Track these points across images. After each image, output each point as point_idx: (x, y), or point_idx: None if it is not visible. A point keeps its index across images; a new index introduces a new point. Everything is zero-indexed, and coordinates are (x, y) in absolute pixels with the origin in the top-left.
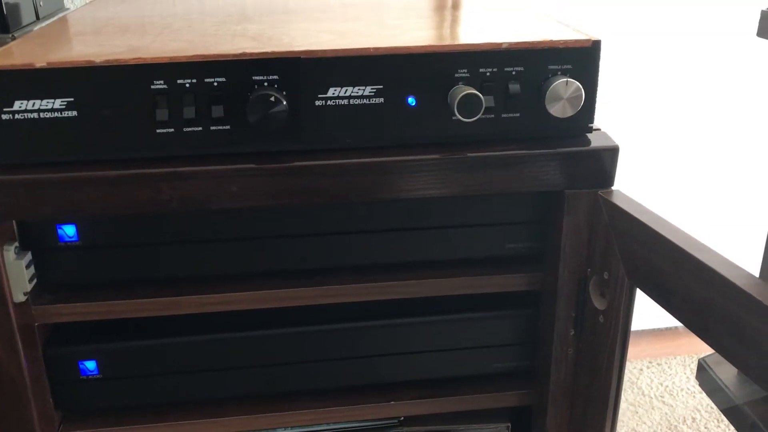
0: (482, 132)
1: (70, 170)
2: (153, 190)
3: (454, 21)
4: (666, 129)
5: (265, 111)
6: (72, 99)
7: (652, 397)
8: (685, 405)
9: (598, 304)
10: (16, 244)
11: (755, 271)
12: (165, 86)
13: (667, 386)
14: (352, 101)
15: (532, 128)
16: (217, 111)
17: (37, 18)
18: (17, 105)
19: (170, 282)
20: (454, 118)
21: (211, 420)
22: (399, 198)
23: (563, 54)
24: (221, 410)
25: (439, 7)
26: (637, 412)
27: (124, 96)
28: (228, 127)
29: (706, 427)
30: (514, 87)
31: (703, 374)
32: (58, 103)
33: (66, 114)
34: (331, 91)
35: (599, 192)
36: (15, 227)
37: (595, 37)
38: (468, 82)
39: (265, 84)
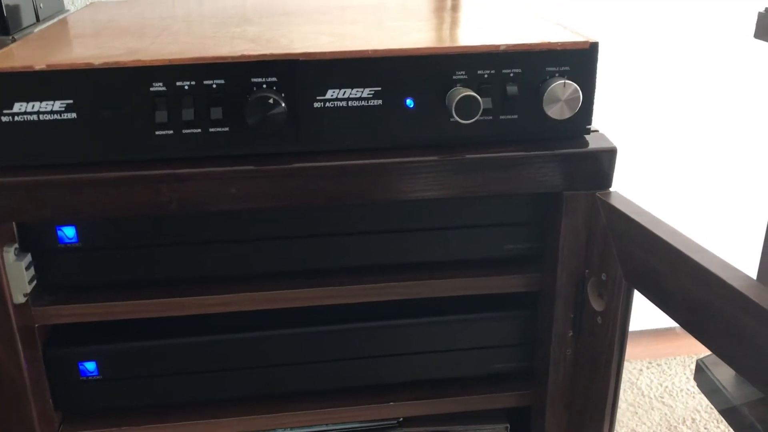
0: (480, 134)
1: (69, 172)
2: (152, 191)
3: (453, 23)
4: (664, 130)
5: (264, 113)
6: (71, 101)
7: (651, 398)
8: (684, 406)
9: (596, 305)
10: (16, 245)
11: (753, 273)
12: (164, 88)
13: (666, 387)
14: (350, 103)
15: (530, 130)
16: (216, 113)
17: (38, 20)
18: (17, 107)
19: (170, 283)
20: (452, 119)
21: (211, 421)
22: (397, 200)
23: (561, 56)
24: (220, 411)
25: (439, 9)
26: (636, 413)
27: (123, 98)
28: (227, 129)
29: (705, 428)
30: (511, 89)
31: (701, 375)
32: (57, 105)
33: (65, 116)
34: (330, 93)
35: (597, 193)
36: (15, 229)
37: (592, 38)
38: (466, 84)
39: (264, 86)
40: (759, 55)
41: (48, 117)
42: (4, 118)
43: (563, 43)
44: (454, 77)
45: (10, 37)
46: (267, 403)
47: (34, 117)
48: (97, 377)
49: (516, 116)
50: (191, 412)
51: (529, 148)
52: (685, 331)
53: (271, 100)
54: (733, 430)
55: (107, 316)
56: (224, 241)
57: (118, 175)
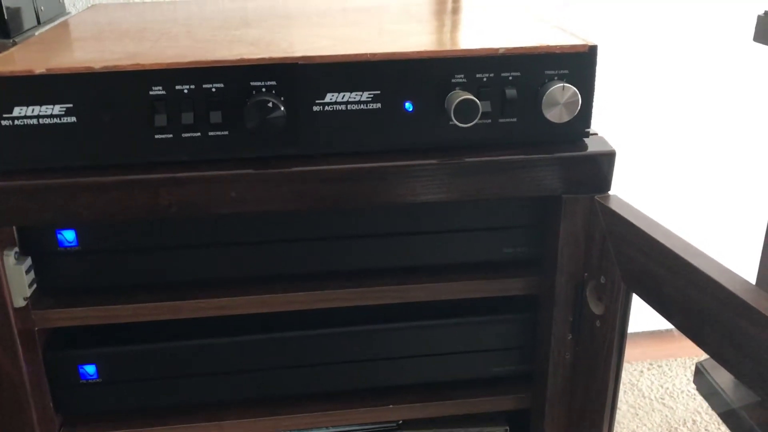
0: (479, 137)
1: (69, 176)
2: (152, 195)
3: (452, 26)
4: (663, 133)
5: (263, 117)
6: (71, 105)
7: (652, 399)
8: (685, 407)
9: (595, 308)
10: (16, 249)
11: (751, 278)
12: (163, 92)
13: (667, 388)
14: (349, 107)
15: (529, 133)
16: (216, 117)
17: (38, 23)
18: (17, 111)
19: (169, 287)
20: (450, 123)
21: (210, 423)
22: (396, 203)
23: (560, 59)
24: (220, 414)
25: (439, 12)
26: (637, 414)
27: (122, 102)
28: (226, 132)
29: (706, 430)
30: (510, 92)
31: (701, 378)
32: (57, 109)
33: (65, 120)
34: (329, 97)
35: (596, 197)
36: (15, 233)
37: (591, 42)
38: (465, 87)
39: (263, 90)
40: (758, 58)
41: (48, 121)
42: (4, 122)
43: (562, 47)
44: (453, 80)
45: (11, 40)
46: (267, 405)
47: (34, 121)
48: (97, 380)
49: (515, 119)
50: (191, 416)
51: (528, 152)
52: None
53: (270, 104)
54: None
55: (107, 320)
56: (224, 244)
57: (118, 179)
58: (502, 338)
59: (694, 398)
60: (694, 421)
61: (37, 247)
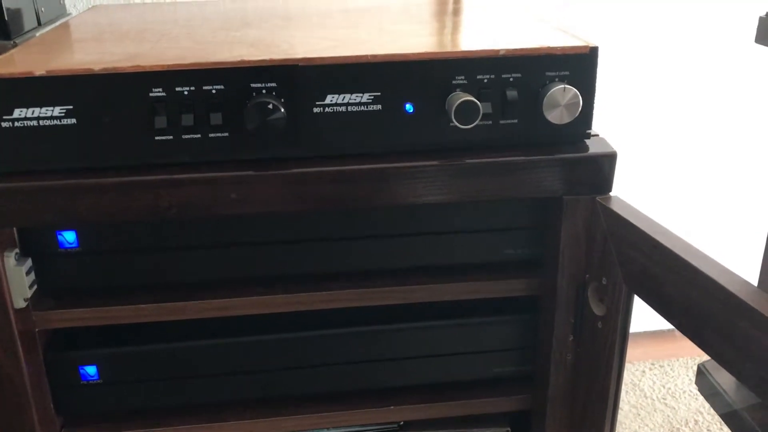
0: (480, 138)
1: (69, 177)
2: (152, 197)
3: (453, 27)
4: (665, 134)
5: (263, 118)
6: (71, 107)
7: (654, 399)
8: (687, 407)
9: (597, 309)
10: (17, 250)
11: (753, 279)
12: (163, 94)
13: (669, 388)
14: (350, 108)
15: (530, 134)
16: (216, 118)
17: (39, 24)
18: (17, 113)
19: (170, 288)
20: (451, 124)
21: (211, 425)
22: (397, 204)
23: (561, 60)
24: (221, 415)
25: (440, 13)
26: (639, 414)
27: (123, 103)
28: (226, 134)
29: (708, 430)
30: (511, 93)
31: (702, 379)
32: (57, 110)
33: (65, 122)
34: (329, 99)
35: (597, 198)
36: (15, 234)
37: (592, 43)
38: (465, 88)
39: (263, 91)
40: (759, 60)
41: (48, 123)
42: (4, 124)
43: (563, 48)
44: (454, 82)
45: (12, 42)
46: (268, 406)
47: (34, 123)
48: (98, 381)
49: (516, 121)
50: (192, 416)
51: (528, 153)
52: None
53: (270, 106)
54: None
55: (107, 321)
56: (224, 245)
57: (118, 181)
58: (503, 339)
59: (696, 398)
60: (696, 422)
61: (37, 248)
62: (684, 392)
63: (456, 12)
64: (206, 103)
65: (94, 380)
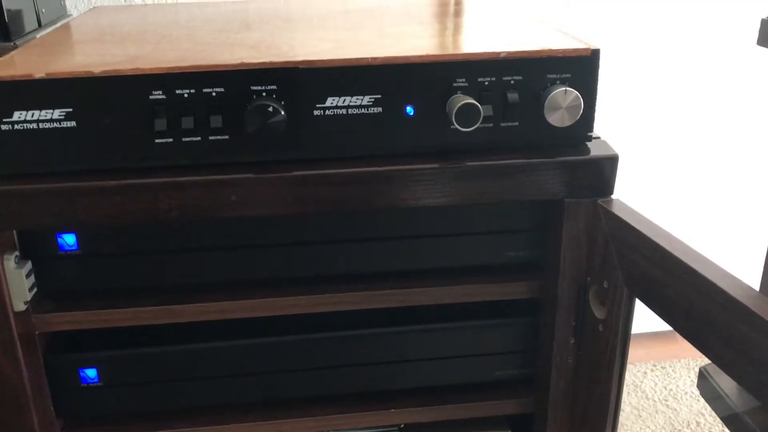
0: (481, 141)
1: (69, 180)
2: (152, 199)
3: (454, 28)
4: (667, 137)
5: (263, 121)
6: (71, 109)
7: (656, 401)
8: (689, 409)
9: (598, 312)
10: (17, 253)
11: (755, 284)
12: (163, 96)
13: (671, 390)
14: (350, 111)
15: (531, 137)
16: (216, 121)
17: (39, 25)
18: (17, 116)
19: (170, 290)
20: (452, 127)
21: (212, 427)
22: (398, 207)
23: (562, 63)
24: (221, 417)
25: (441, 14)
26: (640, 416)
27: (122, 106)
28: (226, 137)
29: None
30: (512, 96)
31: (704, 382)
32: (57, 113)
33: (65, 124)
34: (330, 101)
35: (598, 201)
36: (15, 236)
37: (594, 46)
38: (466, 91)
39: (264, 94)
40: (762, 62)
41: (48, 125)
42: (4, 127)
43: (564, 50)
44: (455, 84)
45: (12, 43)
46: (269, 409)
47: (34, 125)
48: (98, 384)
49: (517, 123)
50: (193, 419)
51: (529, 156)
52: None
53: (270, 108)
54: None
55: (108, 323)
56: (225, 248)
57: (118, 183)
58: (504, 342)
59: (698, 400)
60: (698, 423)
61: (37, 250)
62: (686, 394)
63: (457, 13)
64: (206, 106)
65: (94, 383)
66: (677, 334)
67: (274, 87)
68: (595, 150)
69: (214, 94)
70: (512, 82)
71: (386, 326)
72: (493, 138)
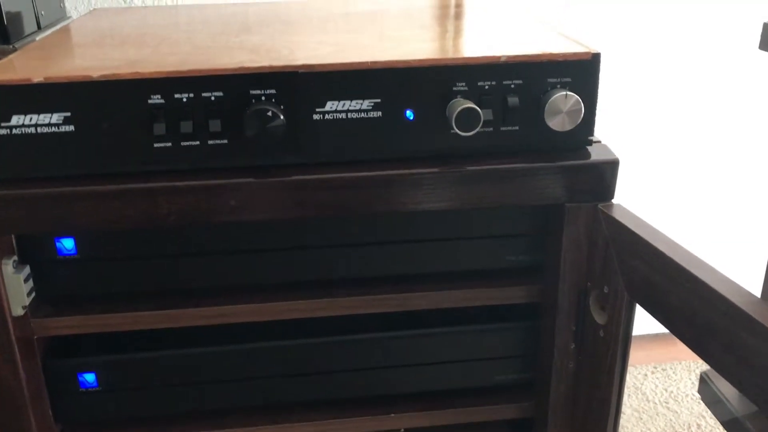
0: (481, 145)
1: (68, 184)
2: (151, 204)
3: (455, 32)
4: (668, 141)
5: (263, 125)
6: (69, 114)
7: (656, 403)
8: (690, 411)
9: (599, 318)
10: (15, 257)
11: (756, 290)
12: (162, 101)
13: (671, 392)
14: (350, 115)
15: (531, 141)
16: (215, 125)
17: (39, 28)
18: (15, 120)
19: (169, 294)
20: (452, 131)
21: None
22: (397, 212)
23: (562, 67)
24: (221, 422)
25: (441, 17)
26: (641, 419)
27: (121, 110)
28: (225, 141)
29: None
30: (512, 100)
31: (705, 387)
32: (55, 117)
33: (63, 128)
34: (329, 105)
35: (599, 206)
36: (13, 241)
37: (594, 49)
38: (466, 95)
39: (263, 98)
40: (764, 66)
41: (46, 129)
42: (2, 131)
43: (565, 54)
44: (455, 89)
45: (11, 46)
46: (268, 414)
47: (32, 130)
48: (97, 389)
49: (517, 128)
50: (192, 424)
51: (530, 160)
52: None
53: (269, 113)
54: None
55: (106, 328)
56: (224, 252)
57: (117, 188)
58: (504, 346)
59: (699, 403)
60: (698, 426)
61: (35, 255)
62: (686, 396)
63: (457, 16)
64: (205, 110)
65: (93, 387)
66: None
67: (273, 91)
68: (595, 154)
69: (213, 98)
70: (512, 86)
71: (386, 331)
72: (493, 142)
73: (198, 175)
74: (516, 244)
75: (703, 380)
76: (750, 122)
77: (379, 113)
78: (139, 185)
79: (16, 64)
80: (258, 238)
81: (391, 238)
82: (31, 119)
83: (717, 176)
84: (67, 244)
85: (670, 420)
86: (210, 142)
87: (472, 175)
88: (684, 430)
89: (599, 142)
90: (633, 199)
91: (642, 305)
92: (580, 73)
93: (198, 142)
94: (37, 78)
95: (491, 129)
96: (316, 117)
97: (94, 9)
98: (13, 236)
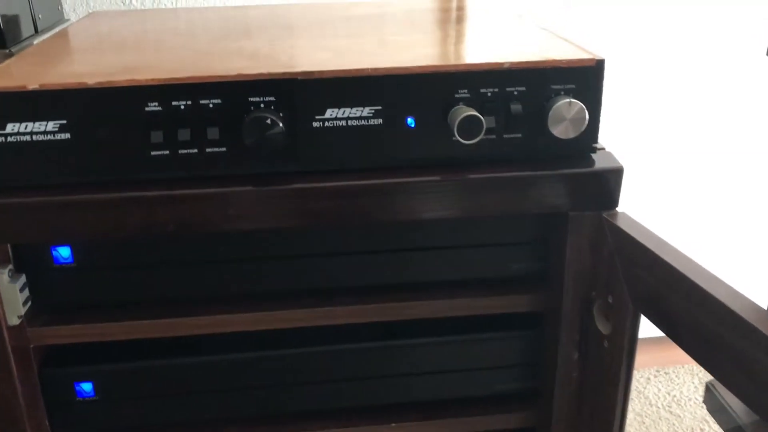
0: (483, 153)
1: (64, 193)
2: (148, 213)
3: (456, 37)
4: (674, 148)
5: (262, 133)
6: (65, 121)
7: (659, 407)
8: (693, 415)
9: (603, 328)
10: (11, 266)
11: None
12: (159, 108)
13: (674, 396)
14: (350, 122)
15: (535, 149)
16: (213, 133)
17: (36, 31)
18: (10, 127)
19: (166, 303)
20: (454, 139)
21: None
22: (398, 220)
23: (566, 73)
24: None
25: (443, 21)
26: (644, 423)
27: (118, 118)
28: (224, 149)
29: None
30: (515, 107)
31: (710, 396)
32: (50, 125)
33: (59, 136)
34: (329, 113)
35: (603, 214)
36: (9, 250)
37: (599, 56)
38: (468, 102)
39: (262, 105)
40: None
41: (41, 137)
42: None
43: (569, 60)
44: (457, 95)
45: (8, 50)
46: (266, 423)
47: (27, 138)
48: (94, 398)
49: (520, 135)
50: None
51: (533, 168)
52: None
53: (268, 120)
54: None
55: (103, 337)
56: (222, 261)
57: (114, 197)
58: (507, 355)
59: (702, 407)
60: (702, 430)
61: (31, 264)
62: (689, 400)
63: (459, 20)
64: (203, 118)
65: (89, 397)
66: None
67: (272, 98)
68: (599, 162)
69: (211, 105)
70: (515, 93)
71: (387, 339)
72: (495, 150)
73: (196, 184)
74: (519, 253)
75: (709, 390)
76: (758, 129)
77: (380, 121)
78: (136, 194)
79: (12, 71)
80: (257, 247)
81: (393, 247)
82: (26, 127)
83: (723, 183)
84: (64, 252)
85: (673, 424)
86: (208, 150)
87: (475, 184)
88: None
89: (603, 149)
90: (638, 207)
91: (647, 316)
92: (584, 79)
93: (196, 150)
94: (33, 85)
95: (494, 136)
96: (315, 124)
97: (93, 12)
98: (8, 245)
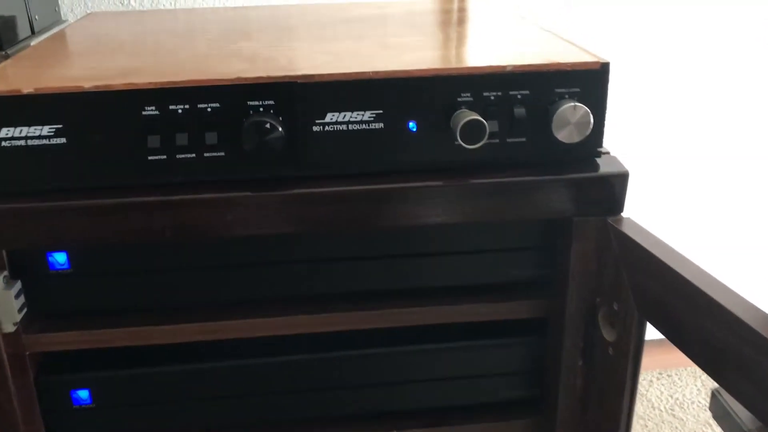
0: (486, 157)
1: (60, 199)
2: (145, 218)
3: (458, 39)
4: (680, 152)
5: (261, 138)
6: (61, 126)
7: (662, 410)
8: (696, 419)
9: (608, 335)
10: (6, 273)
11: None
12: (157, 112)
13: (677, 399)
14: (351, 127)
15: (538, 153)
16: (211, 138)
17: (33, 32)
18: (4, 132)
19: (164, 310)
20: (456, 143)
21: None
22: (400, 226)
23: (570, 77)
24: None
25: (444, 23)
26: (646, 426)
27: (114, 122)
28: (222, 153)
29: None
30: (519, 111)
31: (716, 403)
32: (46, 129)
33: (55, 141)
34: (329, 117)
35: (608, 220)
36: (4, 256)
37: (603, 59)
38: (471, 106)
39: (261, 109)
40: None
41: (37, 142)
42: None
43: (573, 63)
44: (459, 99)
45: (4, 53)
46: (267, 430)
47: (22, 142)
48: (90, 405)
49: (523, 139)
50: None
51: (537, 173)
52: None
53: (268, 125)
54: None
55: (100, 344)
56: (221, 267)
57: (110, 202)
58: (510, 362)
59: (705, 410)
60: None
61: (27, 270)
62: (692, 403)
63: (461, 21)
64: (201, 122)
65: (86, 404)
66: None
67: (271, 102)
68: (604, 166)
69: (209, 109)
70: (519, 96)
71: (389, 346)
72: (499, 154)
73: (194, 189)
74: (523, 259)
75: (714, 397)
76: (765, 132)
77: (381, 125)
78: (133, 199)
79: (7, 73)
80: (257, 252)
81: (394, 252)
82: (21, 131)
83: (730, 188)
84: (60, 258)
85: (676, 428)
86: (206, 154)
87: (477, 189)
88: None
89: (608, 153)
90: (644, 212)
91: (653, 324)
92: (589, 83)
93: (194, 155)
94: (28, 89)
95: (497, 141)
96: (315, 129)
97: (90, 12)
98: (4, 251)
